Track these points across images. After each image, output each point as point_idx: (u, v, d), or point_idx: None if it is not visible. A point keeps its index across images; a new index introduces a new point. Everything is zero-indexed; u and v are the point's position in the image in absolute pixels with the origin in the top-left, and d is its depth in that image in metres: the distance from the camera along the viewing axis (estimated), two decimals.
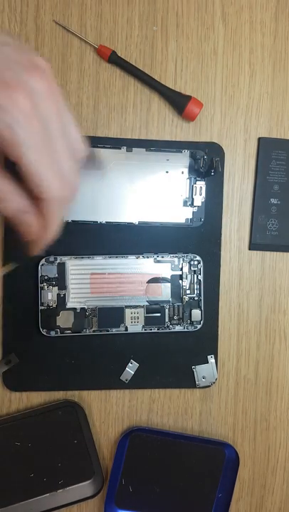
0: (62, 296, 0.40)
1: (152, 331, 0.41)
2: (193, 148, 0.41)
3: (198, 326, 0.42)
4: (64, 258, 0.40)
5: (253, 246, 0.43)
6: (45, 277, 0.40)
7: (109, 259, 0.40)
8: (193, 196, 0.41)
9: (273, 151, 0.43)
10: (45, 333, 0.40)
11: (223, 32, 0.42)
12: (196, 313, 0.41)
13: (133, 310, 0.41)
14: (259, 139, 0.42)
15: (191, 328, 0.42)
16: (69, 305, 0.40)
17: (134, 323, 0.41)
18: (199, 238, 0.42)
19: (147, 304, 0.41)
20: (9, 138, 0.21)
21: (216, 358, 0.43)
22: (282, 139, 0.43)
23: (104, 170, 0.40)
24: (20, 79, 0.21)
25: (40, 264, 0.39)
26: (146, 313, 0.41)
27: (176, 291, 0.41)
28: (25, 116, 0.21)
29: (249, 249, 0.43)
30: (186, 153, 0.41)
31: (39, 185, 0.22)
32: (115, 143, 0.40)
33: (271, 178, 0.43)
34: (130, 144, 0.41)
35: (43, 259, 0.39)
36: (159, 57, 0.41)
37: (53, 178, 0.22)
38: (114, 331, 0.40)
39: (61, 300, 0.40)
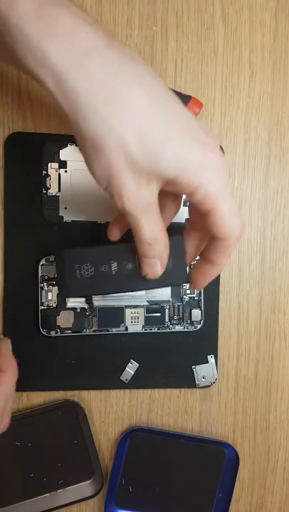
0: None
1: (152, 330, 0.41)
2: None
3: (198, 326, 0.42)
4: None
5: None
6: (45, 277, 0.40)
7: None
8: None
9: None
10: (45, 333, 0.40)
11: (223, 32, 0.42)
12: (196, 313, 0.41)
13: (133, 310, 0.41)
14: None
15: (191, 328, 0.42)
16: (69, 305, 0.40)
17: (134, 323, 0.41)
18: None
19: (147, 303, 0.41)
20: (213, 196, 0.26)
21: (216, 358, 0.43)
22: None
23: None
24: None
25: (40, 264, 0.39)
26: (146, 313, 0.41)
27: (176, 291, 0.41)
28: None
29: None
30: None
31: (231, 229, 0.27)
32: None
33: None
34: None
35: (43, 259, 0.39)
36: (159, 57, 0.41)
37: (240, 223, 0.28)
38: (114, 330, 0.40)
39: (61, 300, 0.40)
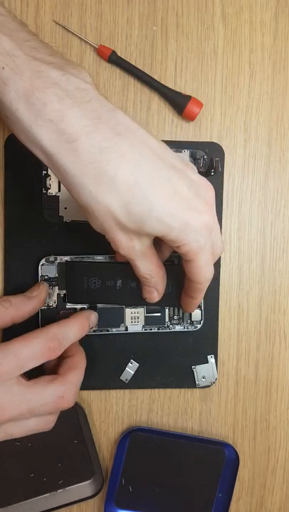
0: (62, 296, 0.40)
1: (152, 330, 0.41)
2: (193, 148, 0.41)
3: (198, 326, 0.42)
4: (64, 258, 0.40)
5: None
6: (45, 277, 0.40)
7: (109, 258, 0.40)
8: None
9: None
10: None
11: (223, 32, 0.42)
12: (196, 313, 0.41)
13: (133, 310, 0.41)
14: None
15: (191, 328, 0.42)
16: (69, 305, 0.40)
17: (134, 323, 0.41)
18: None
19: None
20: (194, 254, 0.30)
21: (216, 358, 0.43)
22: None
23: None
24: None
25: (40, 264, 0.39)
26: (146, 313, 0.41)
27: None
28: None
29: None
30: (186, 153, 0.41)
31: (204, 277, 0.32)
32: None
33: None
34: None
35: (43, 259, 0.39)
36: (159, 57, 0.41)
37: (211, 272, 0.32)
38: (114, 330, 0.40)
39: (61, 300, 0.40)
